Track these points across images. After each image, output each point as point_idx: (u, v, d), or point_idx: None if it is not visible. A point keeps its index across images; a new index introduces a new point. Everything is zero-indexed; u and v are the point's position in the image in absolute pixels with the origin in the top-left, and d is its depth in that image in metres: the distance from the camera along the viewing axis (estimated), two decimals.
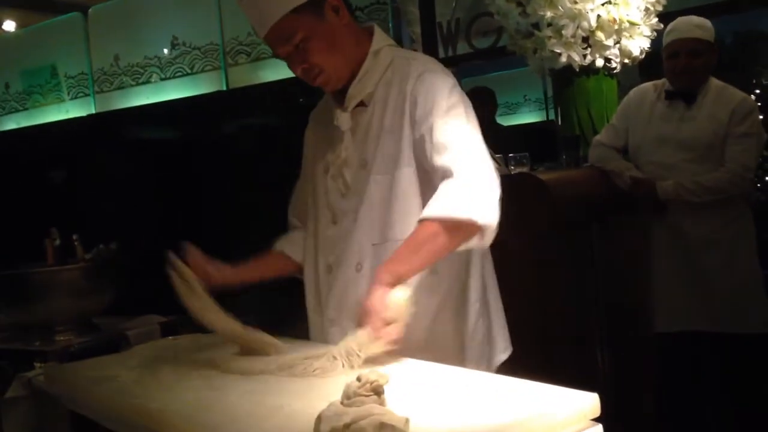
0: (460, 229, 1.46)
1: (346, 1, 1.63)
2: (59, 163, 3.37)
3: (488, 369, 1.69)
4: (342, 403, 1.10)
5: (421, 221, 1.48)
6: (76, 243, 2.66)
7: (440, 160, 1.51)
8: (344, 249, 1.65)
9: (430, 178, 1.55)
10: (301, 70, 1.60)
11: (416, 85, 1.57)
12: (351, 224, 1.64)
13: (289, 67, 1.63)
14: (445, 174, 1.49)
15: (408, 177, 1.58)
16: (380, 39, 1.66)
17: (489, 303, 1.73)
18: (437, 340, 1.63)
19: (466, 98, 1.61)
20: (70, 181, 3.32)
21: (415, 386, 1.29)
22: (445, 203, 1.46)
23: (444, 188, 1.48)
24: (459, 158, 1.49)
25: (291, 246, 1.84)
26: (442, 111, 1.54)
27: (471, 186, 1.47)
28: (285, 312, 1.94)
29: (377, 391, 1.12)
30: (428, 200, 1.50)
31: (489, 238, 1.49)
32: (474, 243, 1.50)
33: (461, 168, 1.48)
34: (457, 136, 1.52)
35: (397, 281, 1.44)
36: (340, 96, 1.67)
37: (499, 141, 2.84)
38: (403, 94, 1.59)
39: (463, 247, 1.52)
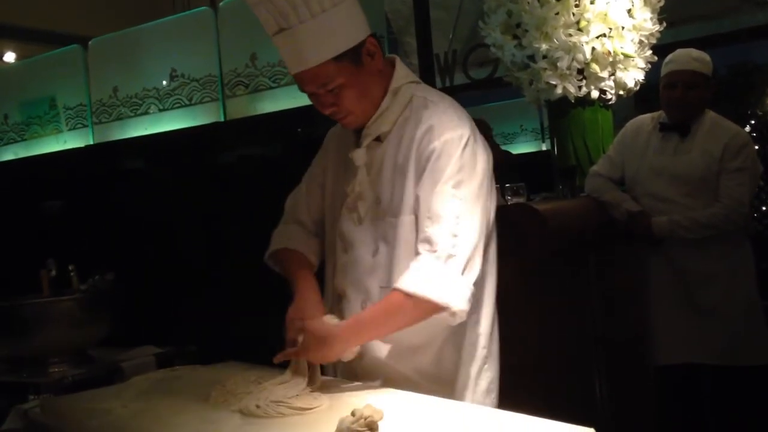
0: (431, 308, 1.48)
1: (379, 40, 1.59)
2: (57, 193, 3.38)
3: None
4: None
5: (395, 291, 1.49)
6: (72, 274, 2.65)
7: (429, 227, 1.50)
8: (352, 283, 1.66)
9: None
10: (330, 111, 1.58)
11: (429, 137, 1.54)
12: (362, 258, 1.64)
13: (314, 101, 1.60)
14: (429, 244, 1.49)
15: (410, 225, 1.57)
16: (401, 75, 1.64)
17: (494, 355, 1.71)
18: (441, 377, 1.62)
19: (483, 154, 1.58)
20: (67, 212, 3.32)
21: (411, 421, 1.28)
22: (423, 281, 1.47)
23: (425, 262, 1.48)
24: (447, 235, 1.49)
25: (304, 246, 1.79)
26: (448, 177, 1.51)
27: (450, 267, 1.47)
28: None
29: (371, 427, 1.12)
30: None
31: (458, 320, 1.51)
32: (441, 317, 1.51)
33: (444, 246, 1.48)
34: (452, 211, 1.50)
35: (350, 346, 1.53)
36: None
37: (505, 170, 2.86)
38: (412, 139, 1.57)
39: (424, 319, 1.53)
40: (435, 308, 1.47)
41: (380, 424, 1.16)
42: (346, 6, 1.52)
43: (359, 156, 1.63)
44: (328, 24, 1.48)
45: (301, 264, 1.75)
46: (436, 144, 1.53)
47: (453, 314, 1.48)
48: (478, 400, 1.64)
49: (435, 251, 1.48)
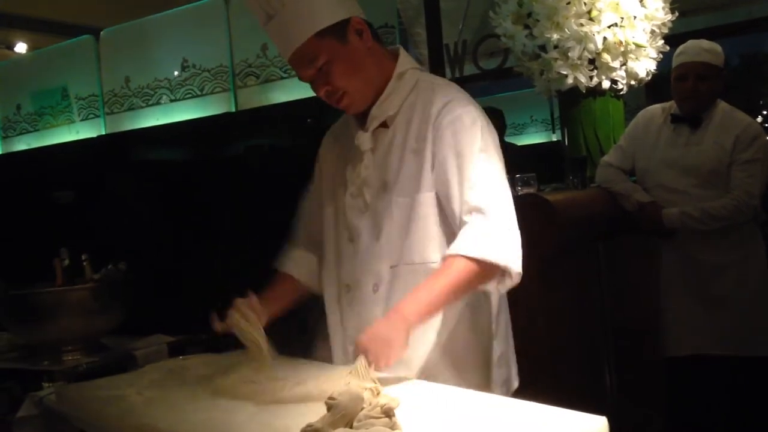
0: (490, 271, 1.49)
1: (370, 24, 1.64)
2: (69, 183, 3.40)
3: (507, 393, 1.70)
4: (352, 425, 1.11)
5: (453, 257, 1.49)
6: (85, 263, 2.67)
7: (472, 195, 1.52)
8: (362, 269, 1.67)
9: (446, 206, 1.58)
10: (325, 92, 1.61)
11: (443, 114, 1.58)
12: (370, 243, 1.65)
13: (313, 89, 1.63)
14: (477, 211, 1.51)
15: (429, 201, 1.59)
16: (405, 61, 1.67)
17: (503, 323, 1.74)
18: (458, 356, 1.64)
19: (492, 129, 1.61)
20: (79, 202, 3.34)
21: (427, 409, 1.29)
22: (480, 244, 1.48)
23: (477, 224, 1.50)
24: (491, 198, 1.51)
25: (296, 268, 1.84)
26: (473, 146, 1.54)
27: (503, 229, 1.50)
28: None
29: (388, 414, 1.13)
30: (446, 226, 1.56)
31: (511, 284, 1.53)
32: (491, 286, 1.54)
33: (493, 209, 1.50)
34: (488, 175, 1.54)
35: (419, 322, 1.47)
36: (362, 116, 1.67)
37: (509, 161, 2.85)
38: (427, 119, 1.59)
39: (480, 289, 1.55)
40: (494, 271, 1.49)
41: (397, 411, 1.16)
42: None
43: (365, 140, 1.64)
44: (309, 3, 1.55)
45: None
46: (454, 117, 1.56)
47: (511, 277, 1.51)
48: (497, 374, 1.69)
49: (483, 213, 1.50)
